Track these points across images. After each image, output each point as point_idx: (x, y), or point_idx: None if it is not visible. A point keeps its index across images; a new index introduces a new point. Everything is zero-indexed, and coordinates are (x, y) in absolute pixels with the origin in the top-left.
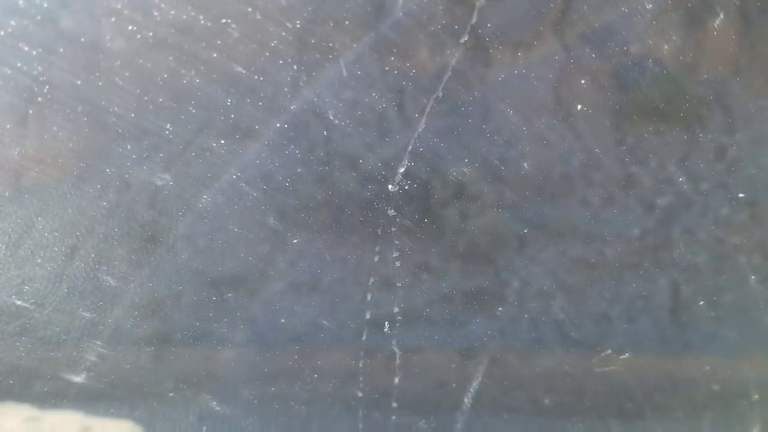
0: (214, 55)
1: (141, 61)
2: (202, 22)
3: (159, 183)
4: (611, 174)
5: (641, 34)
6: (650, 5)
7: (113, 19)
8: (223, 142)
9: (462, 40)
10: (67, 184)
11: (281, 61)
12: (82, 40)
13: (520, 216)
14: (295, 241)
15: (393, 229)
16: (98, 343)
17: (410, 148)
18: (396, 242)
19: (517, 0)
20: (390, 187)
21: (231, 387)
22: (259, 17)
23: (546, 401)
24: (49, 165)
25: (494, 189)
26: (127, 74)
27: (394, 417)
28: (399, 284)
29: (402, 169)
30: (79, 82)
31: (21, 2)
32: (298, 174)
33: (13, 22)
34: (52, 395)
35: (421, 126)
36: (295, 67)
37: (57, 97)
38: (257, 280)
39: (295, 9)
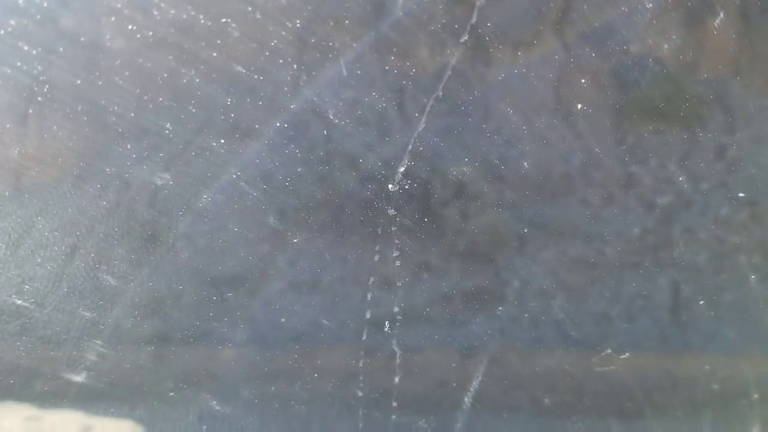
0: (214, 54)
1: (141, 60)
2: (202, 21)
3: (159, 182)
4: (611, 173)
5: (641, 33)
6: (650, 4)
7: (113, 19)
8: (223, 141)
9: (462, 40)
10: (67, 183)
11: (281, 61)
12: (82, 39)
13: (520, 215)
14: (295, 240)
15: (393, 228)
16: (98, 342)
17: (410, 147)
18: (396, 242)
19: None
20: (390, 186)
21: (231, 386)
22: (259, 16)
23: (546, 401)
24: (49, 164)
25: (494, 188)
26: (127, 74)
27: (394, 416)
28: (399, 284)
29: (402, 169)
30: (79, 82)
31: (21, 1)
32: (298, 173)
33: (13, 22)
34: (53, 395)
35: (421, 125)
36: (295, 66)
37: (57, 97)
38: (257, 280)
39: (295, 8)
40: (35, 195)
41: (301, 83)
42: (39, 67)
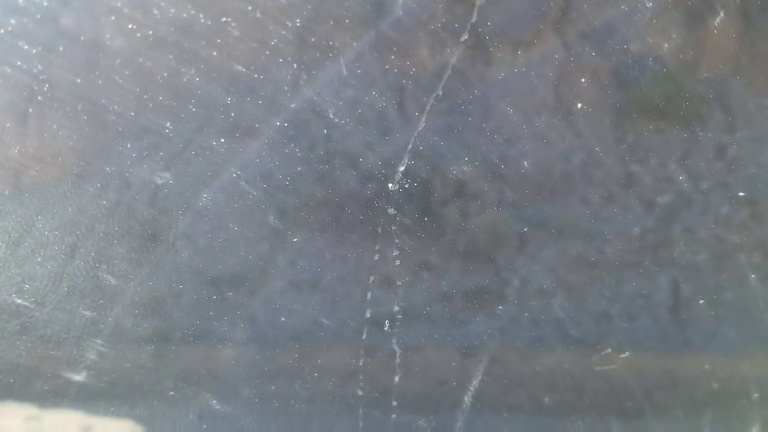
0: (214, 53)
1: (141, 59)
2: (202, 20)
3: (159, 181)
4: (611, 172)
5: (641, 32)
6: (650, 3)
7: (113, 18)
8: (223, 140)
9: (462, 39)
10: (67, 182)
11: (281, 60)
12: (82, 38)
13: (520, 214)
14: (295, 239)
15: (393, 227)
16: (98, 341)
17: (410, 146)
18: (396, 241)
19: None
20: (390, 185)
21: (231, 385)
22: (259, 16)
23: (546, 400)
24: (49, 163)
25: (494, 187)
26: (127, 73)
27: (394, 415)
28: (399, 283)
29: (402, 168)
30: (79, 81)
31: (21, 1)
32: (298, 172)
33: (13, 21)
34: (53, 394)
35: (422, 124)
36: (295, 65)
37: (57, 96)
38: (257, 279)
39: (295, 7)
40: (35, 194)
41: (301, 82)
42: (39, 66)
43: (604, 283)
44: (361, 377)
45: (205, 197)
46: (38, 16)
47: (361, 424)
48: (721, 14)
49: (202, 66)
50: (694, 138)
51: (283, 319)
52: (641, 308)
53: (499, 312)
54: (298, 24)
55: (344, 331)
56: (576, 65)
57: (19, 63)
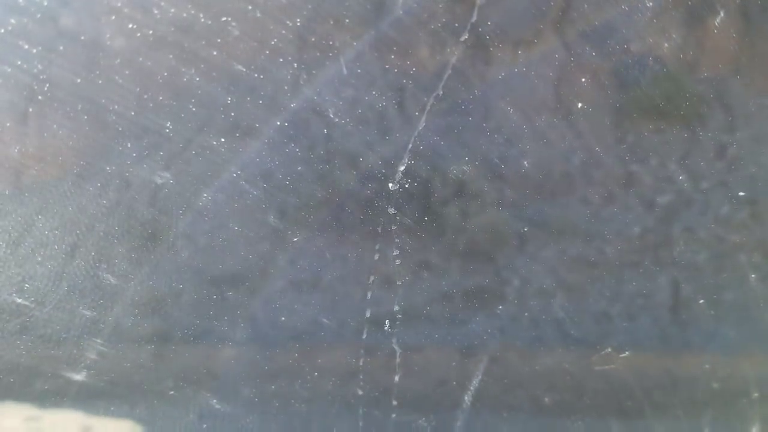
0: (214, 53)
1: (141, 59)
2: (202, 20)
3: (159, 181)
4: (611, 172)
5: (641, 32)
6: (650, 3)
7: (113, 18)
8: (223, 140)
9: (462, 38)
10: (67, 182)
11: (281, 60)
12: (82, 38)
13: (520, 214)
14: (295, 239)
15: (393, 227)
16: (98, 341)
17: (410, 146)
18: (396, 240)
19: None
20: (390, 185)
21: (231, 385)
22: (259, 15)
23: (546, 400)
24: (50, 163)
25: (494, 187)
26: (127, 72)
27: (394, 415)
28: (399, 282)
29: (402, 168)
30: (79, 81)
31: (21, 1)
32: (298, 172)
33: (13, 20)
34: (53, 393)
35: (422, 124)
36: (295, 65)
37: (57, 96)
38: (257, 279)
39: (295, 7)
40: (35, 194)
41: (302, 82)
42: (39, 66)
43: (604, 283)
44: (361, 377)
45: (205, 197)
46: (38, 16)
47: (361, 424)
48: (721, 14)
49: (202, 66)
50: (694, 138)
51: (283, 318)
52: (641, 308)
53: (499, 312)
54: (298, 24)
55: (344, 330)
56: (576, 65)
57: (19, 63)
